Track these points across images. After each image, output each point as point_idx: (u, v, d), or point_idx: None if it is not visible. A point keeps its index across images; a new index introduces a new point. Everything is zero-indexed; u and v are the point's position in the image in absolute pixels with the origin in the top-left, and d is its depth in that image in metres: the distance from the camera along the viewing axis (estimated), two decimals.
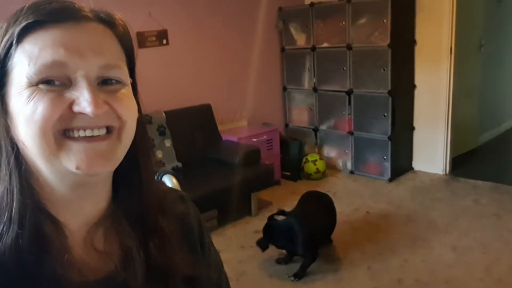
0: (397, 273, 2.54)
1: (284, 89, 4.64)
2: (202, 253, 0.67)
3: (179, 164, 3.32)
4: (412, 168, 4.24)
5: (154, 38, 3.46)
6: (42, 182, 0.51)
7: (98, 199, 0.57)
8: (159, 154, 3.21)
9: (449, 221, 3.16)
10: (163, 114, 3.37)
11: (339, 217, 2.88)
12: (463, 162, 4.30)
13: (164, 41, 3.54)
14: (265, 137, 3.87)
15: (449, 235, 2.95)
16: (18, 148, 0.50)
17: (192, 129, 3.58)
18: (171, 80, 3.63)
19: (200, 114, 3.69)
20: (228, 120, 4.10)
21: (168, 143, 3.29)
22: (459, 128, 4.12)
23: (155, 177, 0.65)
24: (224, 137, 3.76)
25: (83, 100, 0.48)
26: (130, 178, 0.58)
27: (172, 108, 3.48)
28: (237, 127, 4.09)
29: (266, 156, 3.70)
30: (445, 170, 4.08)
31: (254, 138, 3.76)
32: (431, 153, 4.11)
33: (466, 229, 3.01)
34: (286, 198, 3.71)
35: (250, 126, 4.16)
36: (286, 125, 4.73)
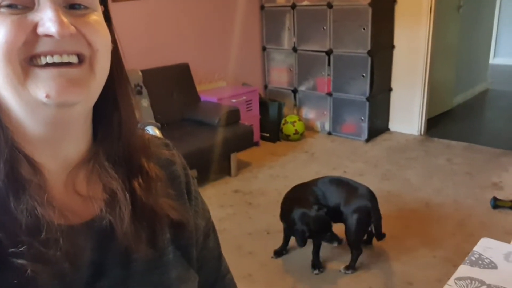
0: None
1: (264, 49, 4.56)
2: (189, 201, 0.66)
3: (158, 125, 3.26)
4: (388, 129, 4.31)
5: None
6: (14, 121, 0.48)
7: (77, 140, 0.54)
8: (136, 114, 3.12)
9: (423, 179, 3.25)
10: (140, 73, 3.27)
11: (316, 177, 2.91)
12: (438, 123, 4.40)
13: None
14: (244, 98, 3.83)
15: (422, 192, 3.05)
16: None
17: (170, 89, 3.50)
18: (146, 37, 3.50)
19: (178, 73, 3.60)
20: (207, 80, 4.02)
21: (145, 103, 3.21)
22: (435, 90, 4.18)
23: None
24: (203, 97, 3.70)
25: (47, 20, 0.45)
26: (110, 118, 0.56)
27: (148, 67, 3.38)
28: (216, 87, 4.03)
29: (245, 117, 3.68)
30: (420, 130, 4.16)
31: (233, 99, 3.72)
32: (407, 114, 4.17)
33: (439, 187, 3.12)
34: (265, 159, 3.74)
35: (229, 87, 4.09)
36: (265, 86, 4.69)
